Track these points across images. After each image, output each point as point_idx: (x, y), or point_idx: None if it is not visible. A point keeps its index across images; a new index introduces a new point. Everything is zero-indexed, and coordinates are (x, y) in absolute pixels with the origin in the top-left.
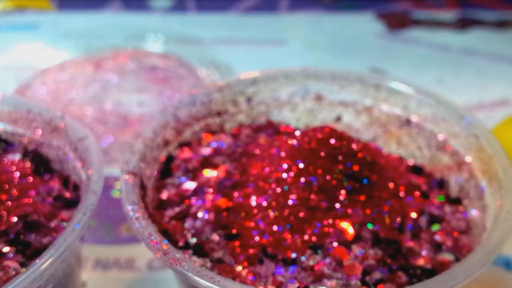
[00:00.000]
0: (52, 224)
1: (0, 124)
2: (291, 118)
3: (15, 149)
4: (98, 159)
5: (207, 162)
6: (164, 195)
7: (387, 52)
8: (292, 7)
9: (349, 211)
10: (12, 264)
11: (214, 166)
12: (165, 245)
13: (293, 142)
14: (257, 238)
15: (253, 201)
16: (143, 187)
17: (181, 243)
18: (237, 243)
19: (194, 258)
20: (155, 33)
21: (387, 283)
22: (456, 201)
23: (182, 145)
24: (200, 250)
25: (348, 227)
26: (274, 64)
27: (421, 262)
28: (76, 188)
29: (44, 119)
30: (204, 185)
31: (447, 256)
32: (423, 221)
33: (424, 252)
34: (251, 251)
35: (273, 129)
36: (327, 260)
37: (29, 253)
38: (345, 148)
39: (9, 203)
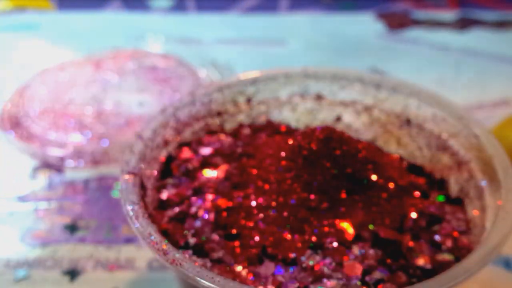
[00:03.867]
0: None
1: None
2: (291, 118)
3: None
4: None
5: (207, 162)
6: (164, 195)
7: (387, 52)
8: (292, 7)
9: (349, 211)
10: None
11: (214, 166)
12: (165, 245)
13: (293, 142)
14: (257, 238)
15: (253, 201)
16: (143, 187)
17: (181, 243)
18: (237, 243)
19: (194, 258)
20: (155, 33)
21: (387, 283)
22: (456, 201)
23: (182, 145)
24: (200, 250)
25: (348, 227)
26: (274, 64)
27: (421, 262)
28: None
29: None
30: (204, 185)
31: (447, 256)
32: (423, 221)
33: (424, 252)
34: (251, 251)
35: (273, 129)
36: (327, 260)
37: None
38: (345, 148)
39: None
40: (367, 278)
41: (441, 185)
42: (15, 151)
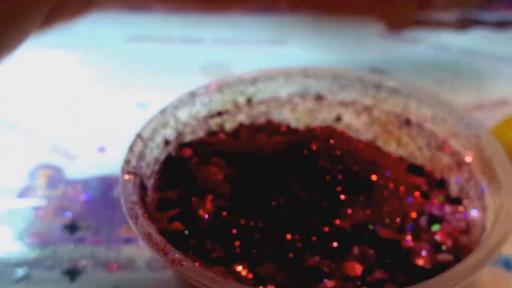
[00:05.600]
0: None
1: None
2: (291, 118)
3: None
4: None
5: (207, 162)
6: (164, 195)
7: (387, 52)
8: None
9: (349, 211)
10: None
11: (214, 166)
12: (165, 245)
13: (293, 142)
14: (257, 238)
15: (253, 201)
16: (143, 187)
17: (181, 243)
18: (237, 243)
19: (194, 258)
20: (155, 33)
21: (387, 283)
22: (456, 201)
23: (182, 145)
24: (200, 250)
25: (348, 227)
26: (274, 64)
27: (421, 262)
28: None
29: None
30: (204, 185)
31: (447, 256)
32: (423, 221)
33: (424, 252)
34: (251, 251)
35: (273, 129)
36: (327, 260)
37: None
38: (345, 148)
39: None
40: (367, 278)
41: (441, 185)
42: (15, 151)
